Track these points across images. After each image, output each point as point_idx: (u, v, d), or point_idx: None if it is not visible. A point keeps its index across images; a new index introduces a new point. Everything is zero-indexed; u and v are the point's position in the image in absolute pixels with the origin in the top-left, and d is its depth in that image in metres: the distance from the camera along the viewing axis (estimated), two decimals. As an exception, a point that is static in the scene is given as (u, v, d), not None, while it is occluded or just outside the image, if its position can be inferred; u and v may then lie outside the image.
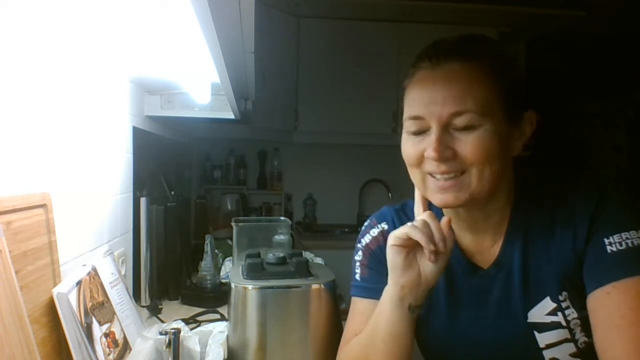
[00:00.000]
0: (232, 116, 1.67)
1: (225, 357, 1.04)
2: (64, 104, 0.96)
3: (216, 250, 1.82)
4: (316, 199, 3.52)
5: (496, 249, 0.83)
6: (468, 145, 0.73)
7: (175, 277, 1.68)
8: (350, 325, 0.92)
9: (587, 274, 0.76)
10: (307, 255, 1.76)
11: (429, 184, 0.78)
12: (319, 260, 1.87)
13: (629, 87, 4.31)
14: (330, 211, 3.52)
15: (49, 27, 0.87)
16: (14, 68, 0.77)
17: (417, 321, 0.83)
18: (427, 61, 0.76)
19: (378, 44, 3.17)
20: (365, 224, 0.97)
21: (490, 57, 0.76)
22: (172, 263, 1.67)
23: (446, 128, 0.73)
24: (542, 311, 0.79)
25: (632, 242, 0.73)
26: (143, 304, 1.51)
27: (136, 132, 1.50)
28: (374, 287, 0.87)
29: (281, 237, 1.65)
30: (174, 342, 0.94)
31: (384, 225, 0.92)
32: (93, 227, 1.14)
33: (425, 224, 0.76)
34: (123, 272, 1.32)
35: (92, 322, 0.86)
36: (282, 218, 1.83)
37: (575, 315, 0.77)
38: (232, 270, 1.38)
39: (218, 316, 1.44)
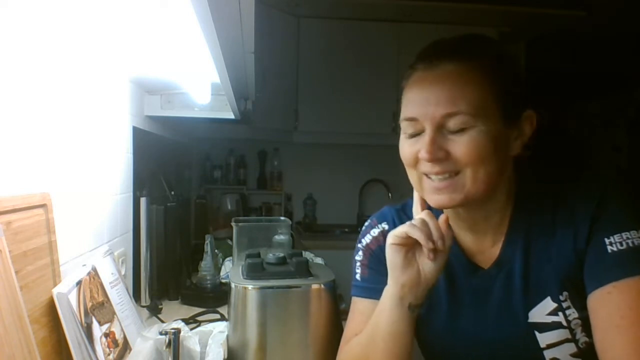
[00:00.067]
0: (232, 116, 1.67)
1: (225, 357, 1.04)
2: (64, 104, 0.96)
3: (216, 250, 1.82)
4: (316, 199, 3.52)
5: (497, 249, 0.83)
6: (461, 146, 0.73)
7: (175, 277, 1.68)
8: (351, 325, 0.92)
9: (588, 273, 0.76)
10: (307, 255, 1.76)
11: (424, 185, 0.78)
12: (319, 260, 1.87)
13: (629, 87, 4.31)
14: (330, 211, 3.52)
15: (49, 27, 0.87)
16: (14, 68, 0.77)
17: (417, 320, 0.83)
18: (422, 63, 0.77)
19: (378, 44, 3.17)
20: (366, 224, 0.97)
21: (485, 57, 0.75)
22: (172, 263, 1.67)
23: (440, 129, 0.74)
24: (542, 311, 0.79)
25: (632, 242, 0.73)
26: (143, 304, 1.51)
27: (136, 132, 1.50)
28: (374, 287, 0.87)
29: (281, 237, 1.65)
30: (174, 342, 0.94)
31: (385, 225, 0.93)
32: (93, 227, 1.14)
33: (424, 222, 0.77)
34: (123, 272, 1.32)
35: (92, 322, 0.86)
36: (282, 218, 1.83)
37: (576, 315, 0.77)
38: (232, 270, 1.38)
39: (218, 316, 1.44)
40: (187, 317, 1.40)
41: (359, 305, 0.92)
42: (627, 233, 0.73)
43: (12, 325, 0.65)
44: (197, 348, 1.00)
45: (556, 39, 3.48)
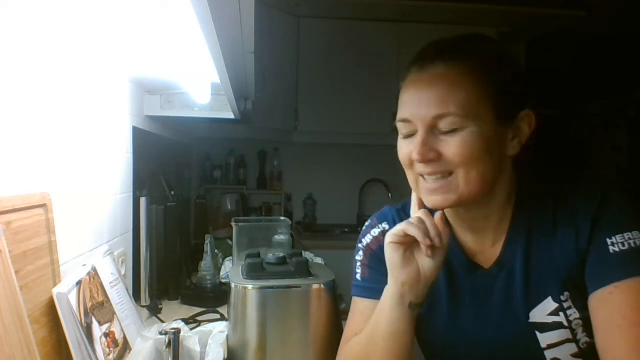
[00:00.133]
0: (232, 116, 1.67)
1: (225, 357, 1.04)
2: (64, 104, 0.96)
3: (216, 250, 1.82)
4: (316, 199, 3.52)
5: (497, 249, 0.83)
6: (452, 147, 0.74)
7: (175, 277, 1.68)
8: (351, 325, 0.92)
9: (589, 274, 0.76)
10: (307, 255, 1.76)
11: (420, 186, 0.79)
12: (319, 260, 1.87)
13: (629, 87, 4.31)
14: (330, 211, 3.52)
15: (49, 27, 0.87)
16: (14, 68, 0.76)
17: (418, 320, 0.83)
18: (416, 65, 0.77)
19: (378, 44, 3.17)
20: (367, 224, 0.97)
21: (478, 58, 0.75)
22: (172, 263, 1.67)
23: (432, 130, 0.75)
24: (543, 311, 0.79)
25: (634, 243, 0.73)
26: (143, 304, 1.51)
27: (136, 132, 1.50)
28: (374, 287, 0.87)
29: (281, 237, 1.65)
30: (174, 342, 0.94)
31: (385, 225, 0.93)
32: (93, 227, 1.14)
33: (421, 220, 0.78)
34: (123, 272, 1.32)
35: (92, 322, 0.86)
36: (282, 218, 1.83)
37: (577, 315, 0.77)
38: (232, 270, 1.38)
39: (218, 316, 1.44)
40: (187, 317, 1.40)
41: (359, 305, 0.92)
42: (629, 233, 0.73)
43: (12, 325, 0.65)
44: (197, 348, 1.00)
45: (556, 39, 3.48)
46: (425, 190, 0.78)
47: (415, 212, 0.82)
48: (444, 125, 0.73)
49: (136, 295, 1.46)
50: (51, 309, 0.79)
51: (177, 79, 1.36)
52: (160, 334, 0.99)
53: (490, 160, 0.75)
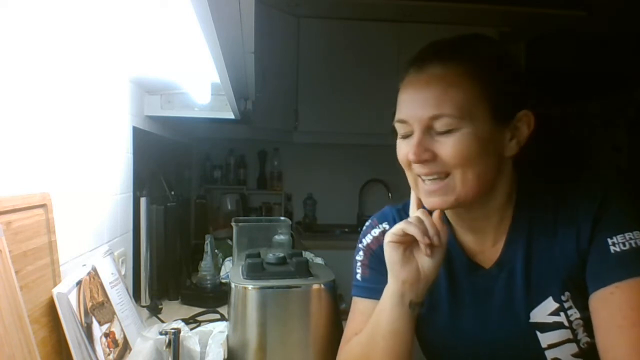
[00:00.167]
0: (232, 116, 1.67)
1: (225, 357, 1.04)
2: (64, 104, 0.96)
3: (216, 250, 1.82)
4: (316, 199, 3.52)
5: (498, 249, 0.83)
6: (447, 147, 0.74)
7: (175, 277, 1.68)
8: (351, 325, 0.92)
9: (590, 274, 0.76)
10: (307, 255, 1.76)
11: (419, 187, 0.80)
12: (319, 260, 1.87)
13: (629, 87, 4.31)
14: (330, 211, 3.52)
15: (49, 27, 0.87)
16: (14, 68, 0.76)
17: (419, 320, 0.83)
18: (413, 66, 0.78)
19: (378, 44, 3.17)
20: (367, 224, 0.97)
21: (475, 58, 0.75)
22: (172, 263, 1.67)
23: (428, 131, 0.75)
24: (544, 311, 0.79)
25: (635, 243, 0.73)
26: (143, 304, 1.51)
27: (136, 132, 1.50)
28: (374, 287, 0.87)
29: (281, 237, 1.65)
30: (174, 342, 0.94)
31: (386, 225, 0.93)
32: (93, 227, 1.14)
33: (419, 219, 0.78)
34: (123, 272, 1.32)
35: (92, 322, 0.86)
36: (282, 218, 1.83)
37: (577, 315, 0.77)
38: (232, 270, 1.38)
39: (218, 316, 1.44)
40: (187, 317, 1.40)
41: (359, 305, 0.92)
42: (630, 233, 0.73)
43: (12, 325, 0.65)
44: (197, 348, 1.00)
45: (556, 39, 3.47)
46: (423, 192, 0.79)
47: (414, 211, 0.82)
48: (439, 125, 0.74)
49: (136, 295, 1.46)
50: (51, 309, 0.79)
51: (177, 79, 1.36)
52: (160, 334, 0.99)
53: (487, 161, 0.75)
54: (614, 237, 0.74)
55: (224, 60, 0.91)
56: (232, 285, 1.08)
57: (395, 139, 0.81)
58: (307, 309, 1.06)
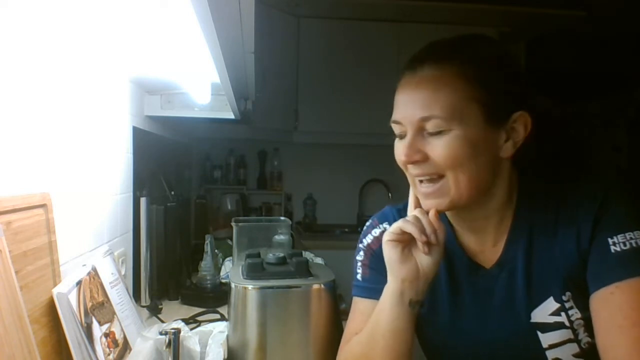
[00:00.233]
0: (232, 116, 1.67)
1: (225, 357, 1.04)
2: (64, 104, 0.96)
3: (216, 250, 1.82)
4: (316, 199, 3.52)
5: (499, 249, 0.83)
6: (438, 149, 0.75)
7: (175, 277, 1.68)
8: (351, 325, 0.92)
9: (591, 273, 0.76)
10: (307, 255, 1.76)
11: (417, 189, 0.81)
12: (319, 260, 1.87)
13: (629, 87, 4.31)
14: (330, 211, 3.52)
15: (49, 27, 0.87)
16: (15, 68, 0.76)
17: (419, 319, 0.83)
18: (408, 67, 0.78)
19: (378, 44, 3.16)
20: (367, 224, 0.97)
21: (467, 60, 0.75)
22: (172, 263, 1.67)
23: (420, 132, 0.76)
24: (545, 311, 0.79)
25: (636, 243, 0.73)
26: (143, 304, 1.51)
27: (136, 132, 1.50)
28: (375, 287, 0.87)
29: (281, 237, 1.65)
30: (174, 342, 0.93)
31: (386, 225, 0.93)
32: (93, 227, 1.14)
33: (417, 218, 0.79)
34: (123, 272, 1.32)
35: (92, 322, 0.86)
36: (282, 218, 1.83)
37: (578, 315, 0.77)
38: (232, 270, 1.38)
39: (218, 316, 1.44)
40: (187, 317, 1.40)
41: (359, 305, 0.92)
42: (631, 233, 0.73)
43: (12, 325, 0.65)
44: (197, 348, 1.00)
45: (556, 39, 3.48)
46: (420, 194, 0.80)
47: (411, 210, 0.83)
48: (430, 127, 0.75)
49: (136, 295, 1.45)
50: (51, 309, 0.79)
51: (177, 79, 1.36)
52: (160, 334, 0.99)
53: (480, 162, 0.75)
54: (615, 237, 0.74)
55: (224, 60, 0.91)
56: (232, 285, 1.08)
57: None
58: (307, 309, 1.06)
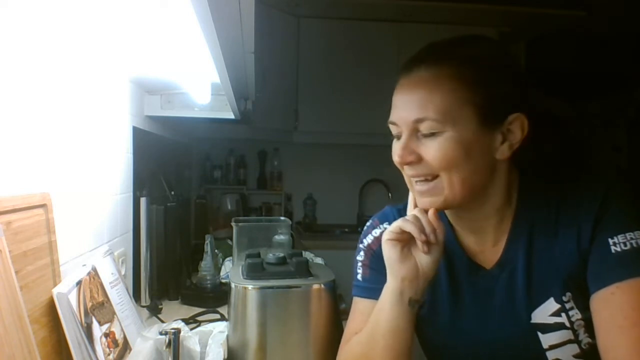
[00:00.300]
0: (232, 116, 1.66)
1: (225, 357, 1.04)
2: (64, 104, 0.96)
3: (216, 250, 1.82)
4: (316, 199, 3.52)
5: (499, 249, 0.83)
6: (431, 150, 0.75)
7: (175, 277, 1.68)
8: (351, 325, 0.92)
9: (591, 274, 0.76)
10: (307, 255, 1.76)
11: (413, 187, 0.81)
12: (319, 260, 1.87)
13: (629, 87, 4.31)
14: (330, 211, 3.52)
15: (49, 27, 0.87)
16: (15, 68, 0.76)
17: (419, 319, 0.83)
18: (404, 68, 0.79)
19: (378, 44, 3.16)
20: (368, 224, 0.97)
21: (462, 62, 0.75)
22: (172, 263, 1.66)
23: (415, 133, 0.76)
24: (545, 312, 0.79)
25: (636, 243, 0.73)
26: (143, 304, 1.51)
27: (136, 132, 1.50)
28: (375, 287, 0.87)
29: (281, 237, 1.65)
30: (174, 342, 0.93)
31: (386, 225, 0.92)
32: (93, 227, 1.14)
33: (416, 217, 0.79)
34: (123, 272, 1.32)
35: (92, 322, 0.86)
36: (282, 218, 1.83)
37: (579, 316, 0.77)
38: (232, 270, 1.38)
39: (218, 316, 1.44)
40: (187, 317, 1.40)
41: (359, 305, 0.92)
42: (631, 233, 0.73)
43: (12, 325, 0.65)
44: (197, 348, 1.00)
45: (556, 39, 3.47)
46: (416, 193, 0.81)
47: (411, 210, 0.83)
48: (423, 128, 0.75)
49: (136, 295, 1.45)
50: (51, 309, 0.79)
51: (177, 79, 1.36)
52: (160, 334, 0.99)
53: (474, 164, 0.75)
54: (615, 237, 0.74)
55: (224, 60, 0.91)
56: (232, 285, 1.08)
57: None
58: (307, 309, 1.06)
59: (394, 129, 0.80)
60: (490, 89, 0.75)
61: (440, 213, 0.81)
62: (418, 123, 0.75)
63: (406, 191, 0.86)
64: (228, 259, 1.88)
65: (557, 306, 0.78)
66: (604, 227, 0.75)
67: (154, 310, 1.45)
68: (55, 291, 0.80)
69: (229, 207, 2.98)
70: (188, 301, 1.60)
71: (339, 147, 3.41)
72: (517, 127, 0.77)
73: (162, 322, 1.35)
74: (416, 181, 0.79)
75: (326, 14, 3.14)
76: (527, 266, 0.80)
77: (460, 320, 0.86)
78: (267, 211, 3.35)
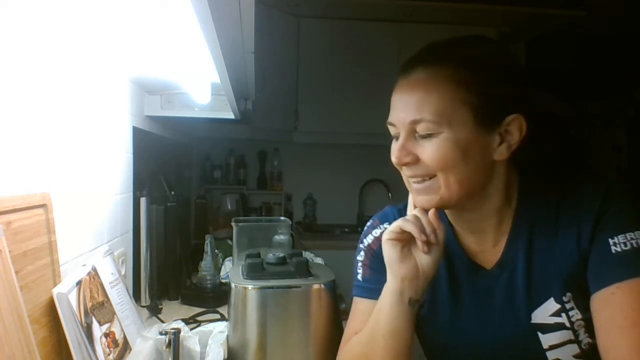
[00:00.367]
0: (232, 116, 1.67)
1: (225, 357, 1.04)
2: (64, 104, 0.96)
3: (216, 250, 1.82)
4: (316, 199, 3.52)
5: (499, 249, 0.83)
6: (428, 151, 0.75)
7: (175, 277, 1.68)
8: (351, 325, 0.92)
9: (591, 274, 0.76)
10: (307, 255, 1.76)
11: (410, 187, 0.82)
12: (319, 260, 1.87)
13: (629, 87, 4.31)
14: (330, 211, 3.52)
15: (49, 27, 0.87)
16: (15, 68, 0.76)
17: (419, 319, 0.83)
18: (402, 70, 0.79)
19: (378, 44, 3.16)
20: (368, 224, 0.97)
21: (460, 63, 0.75)
22: (172, 263, 1.66)
23: (412, 134, 0.77)
24: (545, 312, 0.79)
25: (636, 243, 0.73)
26: (143, 304, 1.51)
27: (136, 132, 1.50)
28: (375, 287, 0.87)
29: (281, 237, 1.65)
30: (174, 342, 0.93)
31: (387, 226, 0.92)
32: (93, 227, 1.14)
33: (416, 217, 0.80)
34: (123, 272, 1.32)
35: (92, 322, 0.86)
36: (282, 218, 1.83)
37: (579, 316, 0.77)
38: (232, 270, 1.38)
39: (218, 316, 1.44)
40: (187, 317, 1.40)
41: (360, 305, 0.92)
42: (632, 233, 0.73)
43: (12, 325, 0.65)
44: (197, 348, 1.00)
45: (556, 39, 3.48)
46: (413, 192, 0.81)
47: (411, 210, 0.83)
48: (420, 129, 0.75)
49: (136, 295, 1.45)
50: (51, 309, 0.79)
51: (177, 79, 1.36)
52: (160, 334, 0.99)
53: (471, 165, 0.75)
54: (615, 237, 0.74)
55: (224, 60, 0.91)
56: (232, 285, 1.08)
57: None
58: (307, 309, 1.06)
59: (392, 130, 0.80)
60: (488, 90, 0.75)
61: (440, 213, 0.81)
62: (415, 124, 0.75)
63: (406, 191, 0.86)
64: (228, 259, 1.88)
65: (557, 306, 0.78)
66: (604, 227, 0.75)
67: (154, 310, 1.45)
68: (55, 291, 0.80)
69: (229, 207, 2.98)
70: (188, 301, 1.60)
71: (339, 147, 3.41)
72: (515, 128, 0.76)
73: (162, 322, 1.35)
74: (413, 181, 0.79)
75: (326, 14, 3.14)
76: (527, 266, 0.80)
77: (460, 320, 0.86)
78: (267, 211, 3.35)
